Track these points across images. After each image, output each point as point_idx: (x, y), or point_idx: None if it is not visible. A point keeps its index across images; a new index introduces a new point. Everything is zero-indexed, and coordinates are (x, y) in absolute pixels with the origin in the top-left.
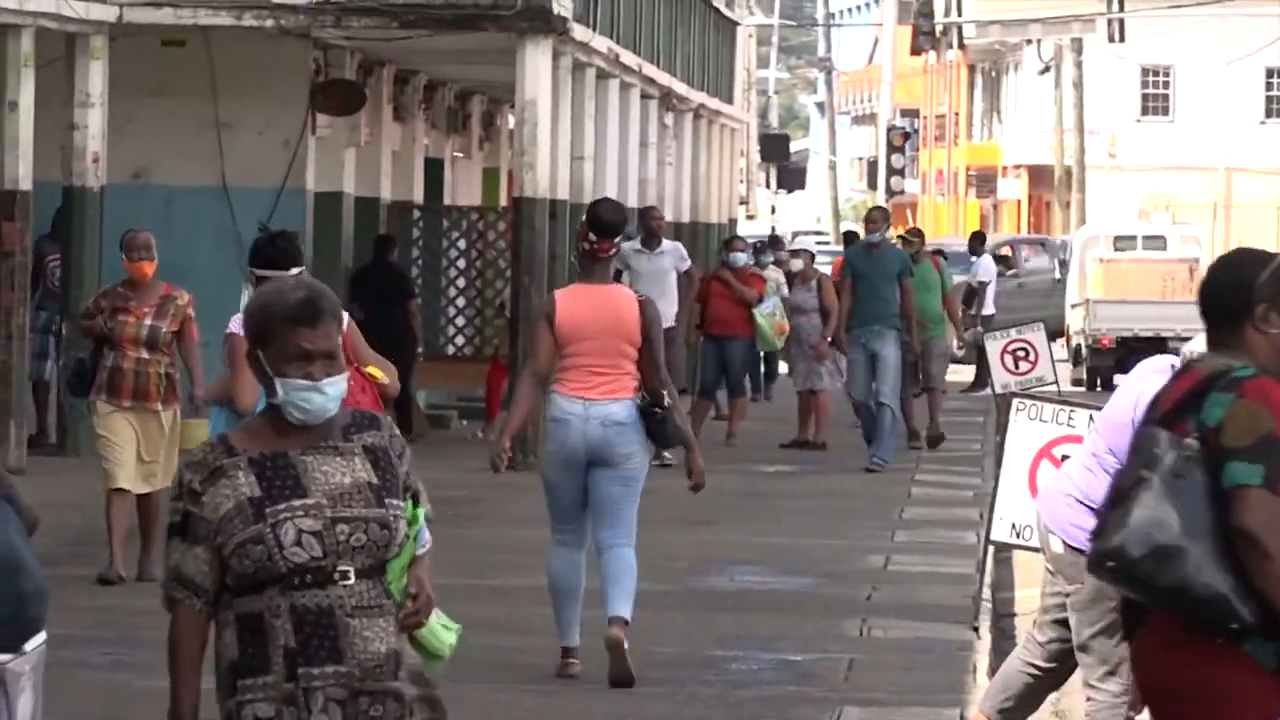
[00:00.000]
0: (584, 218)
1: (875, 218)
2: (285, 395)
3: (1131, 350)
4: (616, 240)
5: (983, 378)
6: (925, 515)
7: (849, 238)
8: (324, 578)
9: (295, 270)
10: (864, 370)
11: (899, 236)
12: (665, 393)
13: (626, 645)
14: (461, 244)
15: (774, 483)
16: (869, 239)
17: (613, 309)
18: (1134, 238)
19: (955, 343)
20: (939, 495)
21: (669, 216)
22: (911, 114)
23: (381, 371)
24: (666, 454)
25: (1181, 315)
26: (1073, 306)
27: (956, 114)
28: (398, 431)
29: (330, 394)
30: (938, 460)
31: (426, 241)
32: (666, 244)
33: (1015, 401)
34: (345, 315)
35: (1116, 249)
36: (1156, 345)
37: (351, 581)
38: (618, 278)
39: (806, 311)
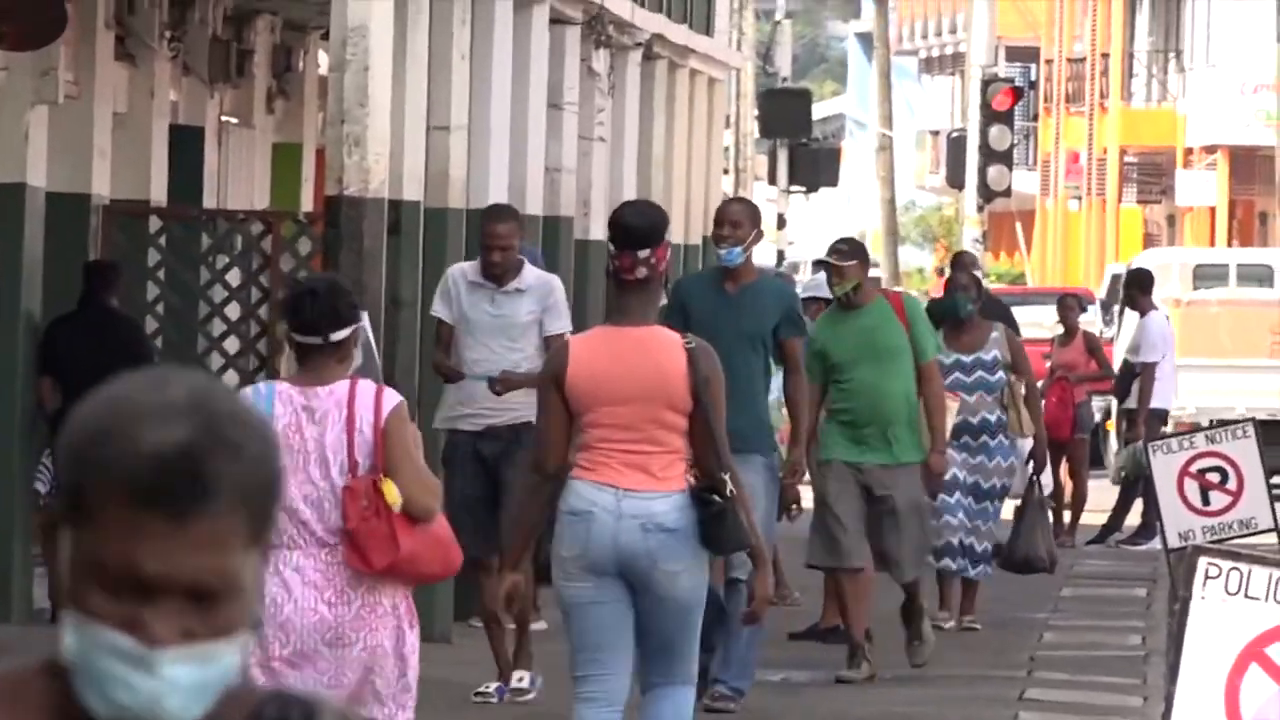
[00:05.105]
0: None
1: (735, 214)
2: (81, 655)
3: None
4: (645, 255)
5: (1119, 516)
6: None
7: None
8: None
9: (340, 333)
10: None
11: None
12: (726, 477)
13: None
14: (234, 276)
15: (779, 698)
16: (722, 257)
17: (649, 360)
18: (1224, 266)
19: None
20: None
21: (596, 230)
22: (1026, 57)
23: (409, 489)
24: None
25: None
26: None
27: (1105, 57)
28: None
29: (179, 681)
30: (1064, 662)
31: (174, 272)
32: (530, 275)
33: (1204, 561)
34: (392, 399)
35: (1197, 285)
36: None
37: None
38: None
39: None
